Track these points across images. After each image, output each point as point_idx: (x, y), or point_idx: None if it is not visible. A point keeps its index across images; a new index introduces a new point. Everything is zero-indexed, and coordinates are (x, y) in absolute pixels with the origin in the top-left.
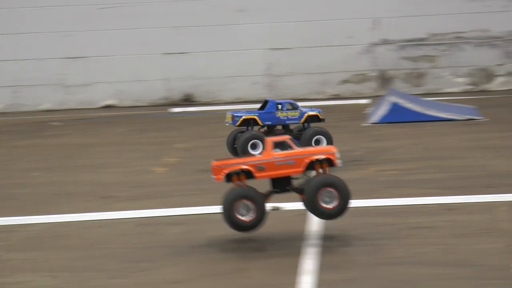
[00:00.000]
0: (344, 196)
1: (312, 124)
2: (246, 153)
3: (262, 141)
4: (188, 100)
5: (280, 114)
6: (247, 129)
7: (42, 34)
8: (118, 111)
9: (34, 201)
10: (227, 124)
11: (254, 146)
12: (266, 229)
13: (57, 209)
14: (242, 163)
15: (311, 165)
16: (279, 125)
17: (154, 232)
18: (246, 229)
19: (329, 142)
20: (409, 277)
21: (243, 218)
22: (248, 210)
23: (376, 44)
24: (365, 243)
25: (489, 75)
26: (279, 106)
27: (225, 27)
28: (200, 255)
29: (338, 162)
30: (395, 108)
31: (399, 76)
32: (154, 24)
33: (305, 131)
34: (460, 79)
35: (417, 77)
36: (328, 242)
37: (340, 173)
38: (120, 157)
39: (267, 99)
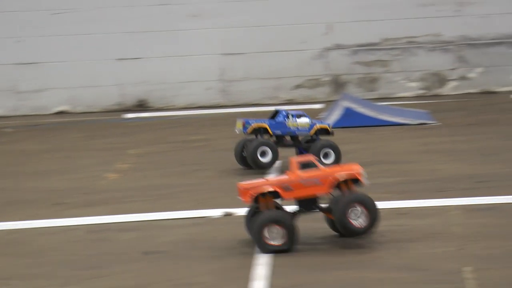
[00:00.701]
0: (373, 213)
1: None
2: (256, 161)
3: (272, 148)
4: (141, 106)
5: (291, 124)
6: (256, 138)
7: None
8: (71, 117)
9: None
10: (237, 132)
11: (263, 154)
12: (218, 234)
13: (9, 216)
14: (269, 185)
15: (338, 184)
16: (288, 135)
17: (106, 239)
18: (279, 252)
19: (338, 155)
20: (361, 281)
21: (273, 243)
22: (277, 234)
23: (329, 49)
24: (315, 247)
25: (442, 80)
26: (290, 116)
27: (179, 33)
28: (152, 262)
29: (364, 180)
30: (348, 113)
31: (352, 81)
32: (107, 29)
33: (314, 143)
34: (413, 84)
35: (370, 81)
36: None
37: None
38: (73, 164)
39: (277, 108)
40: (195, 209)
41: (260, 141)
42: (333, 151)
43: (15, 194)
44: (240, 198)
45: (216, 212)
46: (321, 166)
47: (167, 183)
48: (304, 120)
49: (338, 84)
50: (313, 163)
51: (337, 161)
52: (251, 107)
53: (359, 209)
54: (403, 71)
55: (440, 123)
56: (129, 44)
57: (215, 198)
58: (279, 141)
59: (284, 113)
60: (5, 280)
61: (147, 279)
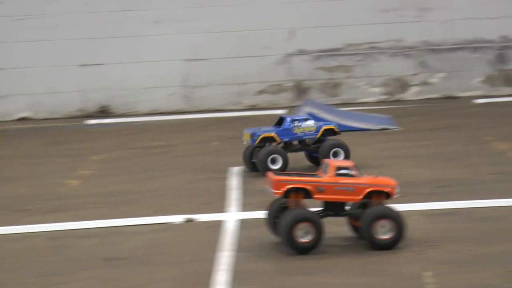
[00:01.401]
0: (400, 227)
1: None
2: (266, 168)
3: (282, 155)
4: (104, 112)
5: (297, 130)
6: (265, 145)
7: None
8: (33, 124)
9: None
10: (244, 143)
11: (273, 161)
12: (179, 240)
13: None
14: (304, 182)
15: (369, 195)
16: (296, 140)
17: (67, 246)
18: (306, 251)
19: (347, 154)
20: (322, 286)
21: (302, 240)
22: (307, 232)
23: (292, 55)
24: (277, 254)
25: (404, 85)
26: (296, 122)
27: (141, 38)
28: (113, 268)
29: (395, 196)
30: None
31: (315, 86)
32: (69, 35)
33: (322, 144)
34: (375, 89)
35: (332, 87)
36: (240, 252)
37: (256, 184)
38: (34, 170)
39: (283, 115)
40: (157, 215)
41: (270, 150)
42: (343, 150)
43: None
44: (271, 190)
45: (178, 218)
46: (357, 174)
47: (129, 189)
48: (310, 123)
49: (301, 90)
50: (350, 169)
51: (346, 159)
52: (214, 112)
53: (386, 222)
54: (365, 77)
55: (403, 128)
56: (91, 50)
57: (176, 205)
58: (288, 147)
59: (289, 119)
60: None
61: (108, 286)
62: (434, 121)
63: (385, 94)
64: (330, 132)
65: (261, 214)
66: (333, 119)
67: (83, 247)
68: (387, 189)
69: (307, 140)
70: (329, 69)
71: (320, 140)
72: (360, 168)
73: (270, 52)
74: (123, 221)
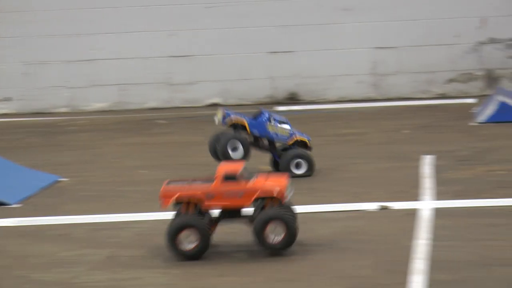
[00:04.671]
0: (291, 230)
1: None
2: (226, 156)
3: (243, 144)
4: (292, 99)
5: (270, 128)
6: (234, 131)
7: (147, 33)
8: None
9: (142, 199)
10: (216, 122)
11: (235, 149)
12: (373, 227)
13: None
14: (192, 190)
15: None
16: (266, 138)
17: None
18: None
19: (310, 167)
20: None
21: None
22: (191, 240)
23: (483, 43)
24: (474, 244)
25: None
26: (272, 120)
27: (330, 26)
28: (311, 254)
29: (286, 199)
30: (503, 108)
31: (506, 75)
32: (259, 23)
33: (287, 152)
34: None
35: None
36: (437, 241)
37: (449, 173)
38: None
39: (262, 110)
40: (352, 202)
41: (233, 135)
42: (306, 162)
43: None
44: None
45: (372, 206)
46: (247, 178)
47: (322, 176)
48: (285, 127)
49: (491, 79)
50: (238, 174)
51: (309, 172)
52: (403, 101)
53: (277, 226)
54: None
55: None
56: (281, 37)
57: (370, 192)
58: (256, 142)
59: (266, 115)
60: (166, 269)
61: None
62: None
63: None
64: (301, 144)
65: (457, 203)
66: None
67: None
68: (275, 194)
69: (277, 143)
70: None
71: (288, 148)
72: None
73: (461, 40)
74: (320, 207)
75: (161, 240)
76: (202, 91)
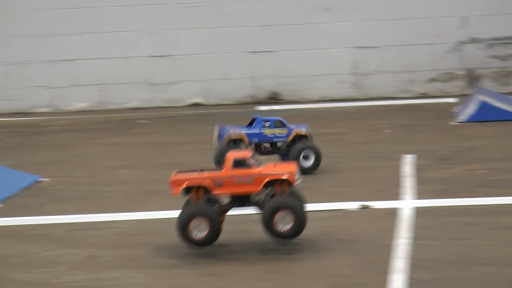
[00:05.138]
0: (299, 219)
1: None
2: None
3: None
4: (274, 99)
5: (268, 132)
6: (234, 145)
7: (128, 33)
8: (204, 109)
9: (122, 199)
10: (214, 145)
11: None
12: (354, 226)
13: (144, 207)
14: (201, 178)
15: (271, 183)
16: (266, 142)
17: (241, 230)
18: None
19: (318, 157)
20: (499, 277)
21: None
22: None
23: (464, 43)
24: (454, 243)
25: None
26: (267, 124)
27: (312, 26)
28: (290, 254)
29: (296, 183)
30: (484, 107)
31: (487, 75)
32: (240, 23)
33: (293, 146)
34: None
35: (505, 75)
36: (418, 240)
37: (430, 172)
38: (207, 155)
39: (255, 116)
40: (332, 202)
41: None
42: (313, 152)
43: (151, 184)
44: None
45: (353, 205)
46: (255, 165)
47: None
48: (282, 129)
49: (472, 78)
50: (247, 160)
51: (317, 163)
52: (384, 100)
53: (286, 215)
54: None
55: None
56: (262, 37)
57: (351, 191)
58: (258, 149)
59: (261, 121)
60: (145, 269)
61: (288, 271)
62: None
63: None
64: (301, 137)
65: (437, 202)
66: (506, 108)
67: (256, 232)
68: (285, 177)
69: (278, 143)
70: (502, 58)
71: (292, 144)
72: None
73: (442, 40)
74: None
75: (141, 239)
76: (183, 91)
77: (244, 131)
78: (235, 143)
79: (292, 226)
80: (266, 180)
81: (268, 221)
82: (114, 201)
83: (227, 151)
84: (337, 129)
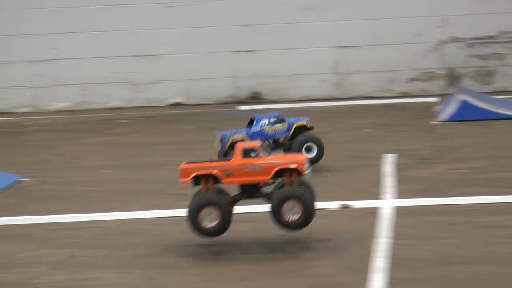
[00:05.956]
0: (308, 208)
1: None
2: None
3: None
4: (255, 98)
5: (268, 130)
6: None
7: (108, 33)
8: (185, 109)
9: (103, 199)
10: (216, 148)
11: None
12: (334, 226)
13: (125, 206)
14: (210, 168)
15: (281, 173)
16: (268, 140)
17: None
18: (211, 235)
19: (320, 149)
20: (479, 276)
21: (208, 225)
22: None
23: (444, 42)
24: (434, 242)
25: None
26: (266, 122)
27: (293, 25)
28: (271, 253)
29: (306, 172)
30: (464, 106)
31: (468, 74)
32: (221, 22)
33: (295, 139)
34: None
35: (486, 75)
36: (398, 240)
37: (410, 172)
38: (188, 155)
39: (254, 116)
40: None
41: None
42: (315, 144)
43: (132, 184)
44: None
45: (333, 204)
46: (265, 155)
47: None
48: (282, 124)
49: (453, 77)
50: (257, 150)
51: (320, 154)
52: (365, 99)
53: (294, 205)
54: None
55: None
56: (243, 36)
57: (331, 191)
58: None
59: (260, 121)
60: (125, 269)
61: (267, 270)
62: None
63: None
64: (302, 128)
65: (418, 201)
66: (487, 107)
67: (240, 231)
68: (294, 166)
69: (280, 138)
70: (483, 57)
71: (294, 137)
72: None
73: (422, 39)
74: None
75: (122, 239)
76: (164, 90)
77: (245, 132)
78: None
79: (300, 217)
80: (276, 169)
81: (276, 211)
82: (95, 201)
83: (230, 153)
84: (318, 128)
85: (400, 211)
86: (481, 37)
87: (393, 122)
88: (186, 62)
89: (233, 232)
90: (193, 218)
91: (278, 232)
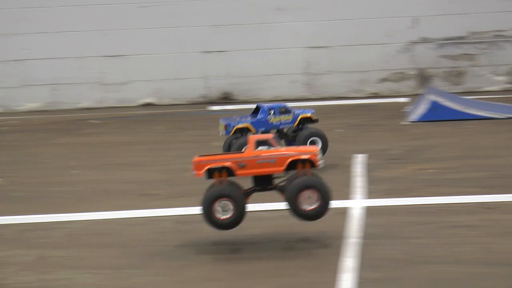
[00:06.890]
0: (325, 198)
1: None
2: None
3: None
4: (226, 99)
5: (273, 120)
6: (241, 136)
7: (79, 33)
8: (157, 109)
9: (74, 199)
10: (220, 134)
11: None
12: (304, 225)
13: (96, 207)
14: (223, 160)
15: (293, 165)
16: (273, 130)
17: (193, 230)
18: (225, 228)
19: (325, 143)
20: (448, 276)
21: (222, 217)
22: (227, 209)
23: (415, 43)
24: (404, 242)
25: None
26: (272, 112)
27: (264, 26)
28: (232, 253)
29: (319, 163)
30: (435, 107)
31: (438, 75)
32: (192, 22)
33: (300, 132)
34: (500, 78)
35: (456, 75)
36: (368, 240)
37: (380, 172)
38: (159, 155)
39: (259, 104)
40: (281, 201)
41: (244, 141)
42: (320, 138)
43: (102, 185)
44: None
45: None
46: (277, 146)
47: None
48: (287, 115)
49: (423, 78)
50: (270, 141)
51: (324, 148)
52: (336, 100)
53: (311, 193)
54: (490, 65)
55: None
56: (214, 37)
57: None
58: None
59: (265, 109)
60: (95, 269)
61: (237, 271)
62: None
63: (509, 83)
64: (307, 120)
65: (388, 201)
66: (457, 108)
67: (206, 232)
68: (307, 156)
69: (284, 129)
70: (453, 57)
71: (298, 129)
72: (483, 157)
73: (393, 40)
74: (252, 206)
75: (93, 240)
76: (135, 91)
77: (250, 121)
78: (242, 132)
79: (316, 207)
80: (290, 160)
81: (293, 200)
82: (65, 202)
83: (235, 140)
84: None
85: (370, 211)
86: (451, 37)
87: (364, 122)
88: (157, 62)
89: (199, 232)
90: (207, 210)
91: (246, 232)
